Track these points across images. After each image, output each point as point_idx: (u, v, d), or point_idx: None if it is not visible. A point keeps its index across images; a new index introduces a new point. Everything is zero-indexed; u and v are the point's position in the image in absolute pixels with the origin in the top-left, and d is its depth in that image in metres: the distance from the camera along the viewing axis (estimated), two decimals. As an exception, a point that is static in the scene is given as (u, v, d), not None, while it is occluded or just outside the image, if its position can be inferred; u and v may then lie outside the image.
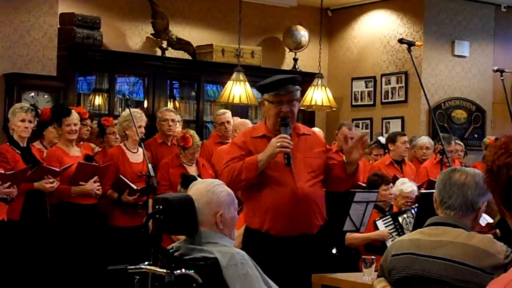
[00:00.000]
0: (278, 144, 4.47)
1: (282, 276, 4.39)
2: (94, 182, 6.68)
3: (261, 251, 4.47)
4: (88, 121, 7.59)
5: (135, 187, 6.75)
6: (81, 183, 6.64)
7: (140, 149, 6.95)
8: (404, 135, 8.60)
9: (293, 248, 4.57)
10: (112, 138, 7.50)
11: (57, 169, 6.45)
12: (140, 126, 6.84)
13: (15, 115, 6.47)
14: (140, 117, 6.95)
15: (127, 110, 6.87)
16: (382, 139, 9.11)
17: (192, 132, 7.22)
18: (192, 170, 7.05)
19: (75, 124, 6.75)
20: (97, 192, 6.73)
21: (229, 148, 4.71)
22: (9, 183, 6.05)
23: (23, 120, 6.44)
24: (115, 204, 6.90)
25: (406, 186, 6.89)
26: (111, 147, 7.36)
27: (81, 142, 7.37)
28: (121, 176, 6.78)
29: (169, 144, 7.68)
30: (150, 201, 6.46)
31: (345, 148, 4.68)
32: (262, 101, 4.70)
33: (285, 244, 4.55)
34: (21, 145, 6.48)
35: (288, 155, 4.51)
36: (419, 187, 7.61)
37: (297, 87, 4.69)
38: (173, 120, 7.64)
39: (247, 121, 7.94)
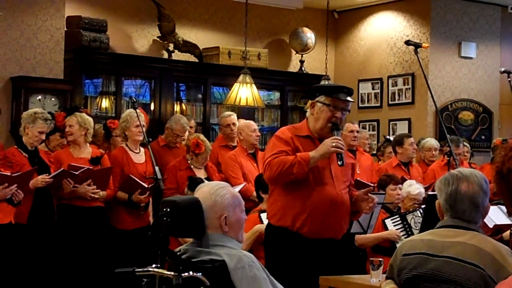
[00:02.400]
0: (334, 144, 4.54)
1: (300, 276, 4.47)
2: (88, 185, 6.66)
3: (286, 249, 4.57)
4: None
5: (146, 186, 6.74)
6: (75, 185, 6.61)
7: (142, 149, 6.97)
8: (411, 136, 8.58)
9: (319, 250, 4.63)
10: (118, 140, 7.49)
11: (76, 173, 6.44)
12: (137, 126, 6.81)
13: (35, 123, 6.42)
14: (135, 117, 6.86)
15: (126, 111, 6.85)
16: (391, 137, 9.10)
17: (203, 136, 7.22)
18: (201, 172, 7.05)
19: (70, 126, 6.74)
20: (92, 195, 6.67)
21: (275, 141, 4.71)
22: (15, 185, 6.04)
23: (41, 132, 6.44)
24: (124, 204, 6.87)
25: (413, 188, 6.87)
26: (118, 150, 7.36)
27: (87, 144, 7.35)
28: (131, 175, 6.76)
29: (171, 146, 7.72)
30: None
31: (358, 196, 4.76)
32: (314, 102, 4.73)
33: (312, 246, 4.60)
34: (29, 148, 6.49)
35: (341, 155, 4.59)
36: (426, 189, 7.61)
37: (352, 99, 4.79)
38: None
39: (252, 122, 7.92)
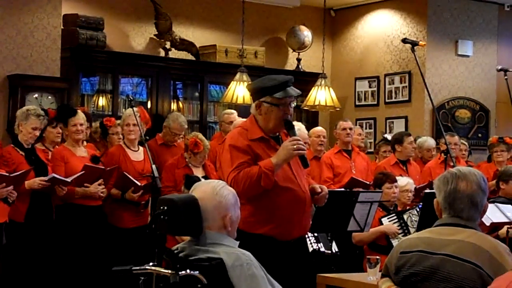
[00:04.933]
0: (295, 147, 4.40)
1: (284, 278, 4.39)
2: (99, 185, 6.67)
3: (262, 255, 4.40)
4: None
5: (139, 184, 6.74)
6: (86, 184, 6.62)
7: (141, 148, 6.97)
8: (410, 135, 8.58)
9: (293, 250, 4.54)
10: (115, 138, 7.49)
11: (68, 180, 6.42)
12: (128, 124, 6.82)
13: (27, 120, 6.41)
14: (129, 116, 6.87)
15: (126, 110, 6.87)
16: (389, 136, 9.11)
17: (201, 135, 7.20)
18: (199, 171, 7.05)
19: (81, 124, 6.75)
20: (101, 195, 6.70)
21: (232, 152, 4.49)
22: (11, 186, 6.03)
23: (34, 128, 6.43)
24: (118, 202, 6.88)
25: (401, 181, 6.96)
26: (115, 148, 7.36)
27: (85, 143, 7.36)
28: (125, 173, 6.77)
29: (169, 144, 7.71)
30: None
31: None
32: (260, 103, 4.52)
33: (286, 247, 4.50)
34: (26, 146, 6.48)
35: (304, 157, 4.47)
36: (423, 188, 7.63)
37: (296, 90, 4.60)
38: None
39: (247, 121, 7.92)
